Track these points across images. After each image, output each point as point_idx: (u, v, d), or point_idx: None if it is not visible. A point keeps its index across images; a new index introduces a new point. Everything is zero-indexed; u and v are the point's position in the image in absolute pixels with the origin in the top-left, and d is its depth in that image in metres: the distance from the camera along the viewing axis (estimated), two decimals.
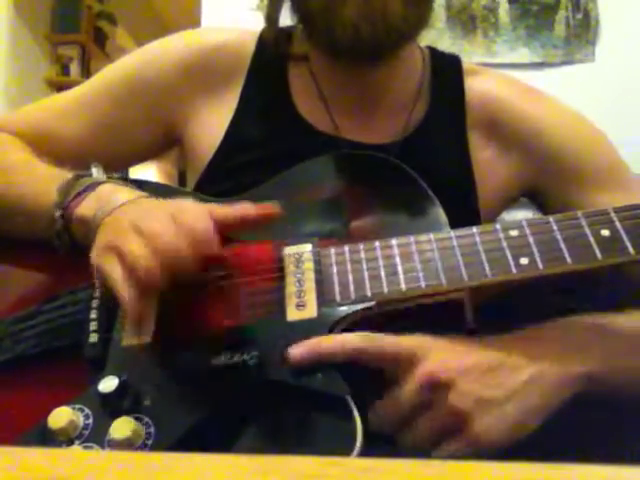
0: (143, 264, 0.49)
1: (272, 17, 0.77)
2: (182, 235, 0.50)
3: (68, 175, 0.63)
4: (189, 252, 0.50)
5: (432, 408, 0.50)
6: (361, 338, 0.51)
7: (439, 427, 0.50)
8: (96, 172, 0.64)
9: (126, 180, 0.66)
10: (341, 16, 0.64)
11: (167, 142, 0.81)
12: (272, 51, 0.77)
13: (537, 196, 0.75)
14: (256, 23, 0.80)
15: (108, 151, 0.77)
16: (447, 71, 0.78)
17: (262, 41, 0.78)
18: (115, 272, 0.51)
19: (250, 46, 0.77)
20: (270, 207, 0.55)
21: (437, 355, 0.51)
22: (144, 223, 0.51)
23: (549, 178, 0.73)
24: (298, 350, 0.49)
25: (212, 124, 0.75)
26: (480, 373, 0.51)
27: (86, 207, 0.60)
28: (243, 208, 0.55)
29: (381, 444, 0.50)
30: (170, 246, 0.49)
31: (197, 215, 0.52)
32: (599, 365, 0.54)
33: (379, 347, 0.51)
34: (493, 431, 0.50)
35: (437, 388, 0.50)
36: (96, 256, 0.53)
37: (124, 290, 0.50)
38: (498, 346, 0.53)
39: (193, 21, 1.96)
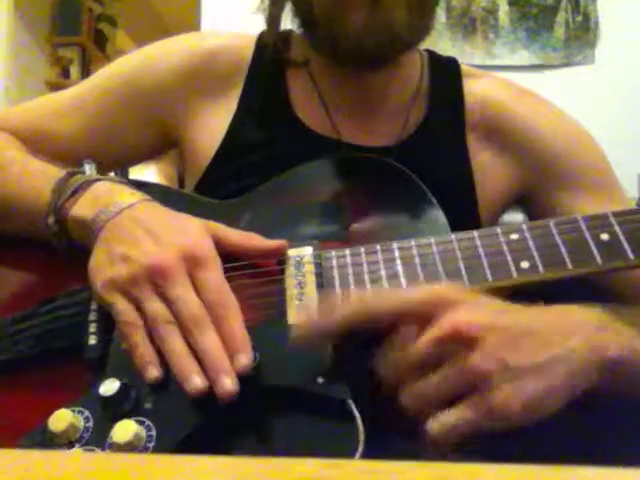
0: (166, 330, 0.49)
1: (273, 20, 0.77)
2: (203, 299, 0.50)
3: (61, 173, 0.62)
4: (206, 316, 0.50)
5: (449, 363, 0.45)
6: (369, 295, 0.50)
7: (452, 386, 0.45)
8: (89, 169, 0.63)
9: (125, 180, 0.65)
10: (345, 26, 0.64)
11: (164, 144, 0.80)
12: (271, 54, 0.77)
13: (528, 201, 0.75)
14: (256, 26, 0.80)
15: (103, 151, 0.76)
16: (445, 74, 0.78)
17: (260, 44, 0.78)
18: (129, 317, 0.51)
19: (249, 50, 0.77)
20: (280, 244, 0.56)
21: (465, 307, 0.46)
22: (163, 276, 0.50)
23: (541, 183, 0.73)
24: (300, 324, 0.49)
25: (211, 127, 0.75)
26: (510, 337, 0.45)
27: (82, 207, 0.59)
28: (252, 240, 0.56)
29: (382, 448, 0.49)
30: (191, 317, 0.49)
31: (217, 274, 0.52)
32: (633, 352, 0.48)
33: (388, 300, 0.48)
34: (510, 403, 0.43)
35: (460, 342, 0.44)
36: (102, 288, 0.53)
37: (135, 338, 0.50)
38: (533, 313, 0.49)
39: (193, 24, 1.96)
